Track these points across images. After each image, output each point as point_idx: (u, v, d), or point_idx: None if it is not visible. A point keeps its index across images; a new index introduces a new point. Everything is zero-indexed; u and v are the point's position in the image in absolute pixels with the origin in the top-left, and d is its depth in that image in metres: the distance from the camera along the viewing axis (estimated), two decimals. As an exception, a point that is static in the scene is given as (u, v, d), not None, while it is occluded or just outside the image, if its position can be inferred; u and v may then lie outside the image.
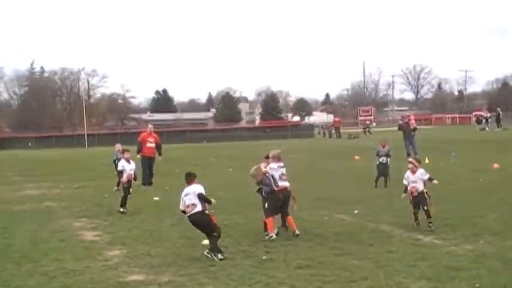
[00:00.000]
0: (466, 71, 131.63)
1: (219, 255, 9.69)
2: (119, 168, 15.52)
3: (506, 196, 15.54)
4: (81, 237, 12.12)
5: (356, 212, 13.92)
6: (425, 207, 11.67)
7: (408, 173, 12.05)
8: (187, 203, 10.01)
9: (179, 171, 27.12)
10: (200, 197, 9.94)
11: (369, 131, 65.94)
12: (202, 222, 9.99)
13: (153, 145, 22.44)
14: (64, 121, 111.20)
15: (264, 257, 9.83)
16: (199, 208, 9.92)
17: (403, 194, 12.21)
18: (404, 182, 12.12)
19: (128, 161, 15.48)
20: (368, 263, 9.21)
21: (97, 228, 13.14)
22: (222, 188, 19.66)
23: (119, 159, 20.53)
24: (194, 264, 9.57)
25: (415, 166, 11.98)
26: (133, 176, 15.40)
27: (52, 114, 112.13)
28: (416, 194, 11.79)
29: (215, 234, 9.88)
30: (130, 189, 15.19)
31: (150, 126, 23.99)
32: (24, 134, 79.14)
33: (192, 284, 8.35)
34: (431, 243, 10.53)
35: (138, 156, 21.59)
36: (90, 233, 12.65)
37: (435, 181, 12.04)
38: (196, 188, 10.05)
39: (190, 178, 10.25)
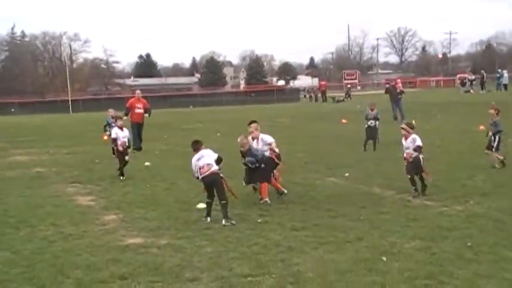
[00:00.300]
0: (450, 33, 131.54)
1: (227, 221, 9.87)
2: (113, 136, 15.48)
3: (493, 158, 15.78)
4: (75, 202, 12.20)
5: (347, 175, 14.10)
6: (420, 175, 11.49)
7: (403, 139, 11.90)
8: (201, 164, 10.15)
9: (168, 136, 27.29)
10: (218, 160, 10.30)
11: (349, 96, 64.68)
12: (218, 184, 10.09)
13: (141, 111, 22.34)
14: (47, 86, 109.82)
15: (259, 220, 10.00)
16: (215, 168, 10.12)
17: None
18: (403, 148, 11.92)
19: (121, 128, 15.42)
20: (362, 224, 9.42)
21: (91, 193, 13.21)
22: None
23: (110, 124, 20.51)
24: (190, 227, 9.71)
25: (407, 131, 11.75)
26: (127, 144, 15.29)
27: (34, 79, 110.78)
28: (411, 160, 11.52)
29: (225, 201, 10.03)
30: (126, 157, 15.10)
31: (138, 91, 23.73)
32: (6, 100, 78.21)
33: (191, 246, 8.49)
34: (422, 204, 10.74)
35: (125, 117, 21.44)
36: (84, 198, 12.73)
37: (420, 155, 11.52)
38: (210, 152, 10.39)
39: (197, 145, 10.53)
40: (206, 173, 10.07)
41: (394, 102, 30.06)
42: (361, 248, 8.12)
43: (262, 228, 9.46)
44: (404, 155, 11.69)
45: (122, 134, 15.21)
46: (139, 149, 21.24)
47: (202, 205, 11.13)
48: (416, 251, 7.88)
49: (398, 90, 30.38)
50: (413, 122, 25.42)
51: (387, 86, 33.17)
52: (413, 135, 11.68)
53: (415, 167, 11.47)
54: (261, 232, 9.19)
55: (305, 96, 70.57)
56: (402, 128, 11.99)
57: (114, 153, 15.61)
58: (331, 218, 10.02)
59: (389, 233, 8.80)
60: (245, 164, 11.74)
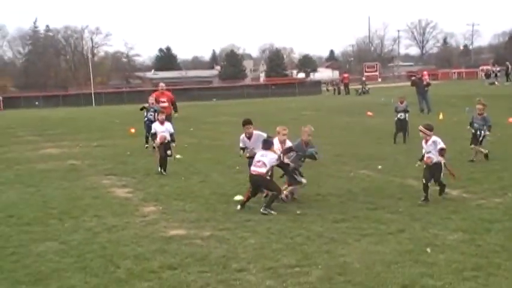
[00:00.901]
0: (472, 25, 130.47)
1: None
2: (152, 131, 15.27)
3: (526, 150, 15.75)
4: (113, 194, 12.36)
5: (380, 167, 14.12)
6: (438, 181, 10.60)
7: (423, 142, 10.85)
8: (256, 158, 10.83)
9: (194, 130, 27.44)
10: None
11: (364, 89, 61.85)
12: (263, 183, 10.74)
13: (166, 104, 21.66)
14: (69, 80, 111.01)
15: (298, 212, 10.07)
16: (262, 171, 10.69)
17: (418, 162, 11.10)
18: (423, 150, 10.86)
19: (161, 122, 15.14)
20: (402, 217, 9.44)
21: (127, 185, 13.37)
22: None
23: (147, 109, 20.22)
24: (230, 219, 9.80)
25: (426, 134, 10.65)
26: (167, 138, 14.86)
27: (56, 73, 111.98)
28: (431, 164, 10.53)
29: (276, 193, 10.45)
30: (169, 151, 14.76)
31: (162, 84, 23.06)
32: (31, 93, 79.08)
33: (234, 238, 8.59)
34: (460, 197, 10.74)
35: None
36: (122, 190, 12.88)
37: (442, 159, 10.50)
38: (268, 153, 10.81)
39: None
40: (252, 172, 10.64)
41: (421, 95, 29.94)
42: (403, 240, 8.16)
43: (303, 220, 9.52)
44: (425, 159, 10.62)
45: (160, 129, 14.91)
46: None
47: (239, 197, 11.25)
48: (460, 242, 7.90)
49: (425, 83, 30.26)
50: (441, 115, 25.42)
51: (413, 78, 33.01)
52: (434, 138, 10.61)
53: (433, 173, 10.51)
54: (301, 224, 9.26)
55: (328, 89, 69.92)
56: (420, 131, 10.84)
57: (148, 146, 15.54)
58: (370, 210, 10.06)
59: (430, 225, 8.83)
60: (307, 156, 11.17)
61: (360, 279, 6.68)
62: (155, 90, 23.79)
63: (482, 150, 14.52)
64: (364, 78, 70.65)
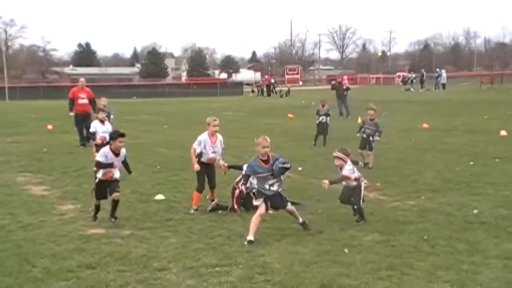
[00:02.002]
0: (390, 32, 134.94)
1: None
2: (91, 129, 14.21)
3: (439, 154, 16.44)
4: (29, 192, 12.01)
5: (300, 169, 14.33)
6: (357, 204, 9.42)
7: (338, 169, 9.54)
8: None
9: (113, 127, 26.88)
10: None
11: (273, 91, 63.56)
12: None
13: (85, 101, 20.67)
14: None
15: (219, 212, 10.12)
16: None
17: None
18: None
19: (101, 121, 14.15)
20: (321, 218, 9.66)
21: (43, 183, 13.01)
22: (162, 145, 19.75)
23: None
24: (151, 218, 9.74)
25: (343, 160, 9.43)
26: (107, 139, 12.67)
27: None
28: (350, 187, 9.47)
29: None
30: None
31: (81, 80, 21.95)
32: None
33: (155, 237, 8.54)
34: (376, 199, 11.08)
35: (71, 114, 20.55)
36: (38, 187, 12.53)
37: (362, 182, 9.47)
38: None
39: None
40: None
41: (340, 99, 30.61)
42: (322, 241, 8.35)
43: (223, 220, 9.58)
44: (344, 183, 9.52)
45: (101, 129, 13.95)
46: (84, 145, 19.55)
47: (160, 196, 11.22)
48: (376, 243, 8.17)
49: (344, 87, 30.96)
50: (359, 118, 26.07)
51: (333, 82, 33.72)
52: (349, 165, 9.43)
53: (349, 196, 9.50)
54: (222, 224, 9.31)
55: (253, 90, 69.16)
56: (335, 157, 9.49)
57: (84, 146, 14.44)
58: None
59: (348, 226, 9.07)
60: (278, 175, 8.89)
61: (280, 278, 6.79)
62: (73, 86, 23.00)
63: (369, 158, 14.26)
64: (273, 81, 70.89)
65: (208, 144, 10.32)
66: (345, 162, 9.42)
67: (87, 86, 22.16)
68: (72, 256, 7.59)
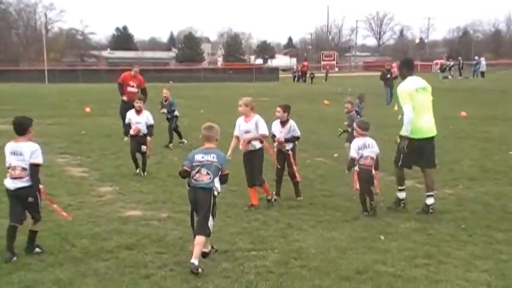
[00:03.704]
0: (428, 18, 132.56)
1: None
2: (126, 121, 12.84)
3: (477, 143, 16.23)
4: (68, 173, 12.23)
5: (336, 155, 14.27)
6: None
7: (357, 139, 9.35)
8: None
9: (150, 111, 27.08)
10: None
11: (312, 78, 62.63)
12: None
13: (134, 89, 18.17)
14: (20, 55, 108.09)
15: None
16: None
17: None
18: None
19: (138, 111, 12.64)
20: (356, 204, 9.58)
21: (82, 164, 13.24)
22: (198, 129, 19.75)
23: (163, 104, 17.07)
24: (187, 201, 9.67)
25: (361, 134, 9.34)
26: (142, 131, 12.46)
27: (7, 47, 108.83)
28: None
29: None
30: (143, 147, 12.31)
31: (135, 67, 18.90)
32: (-23, 66, 76.66)
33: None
34: (413, 187, 10.95)
35: (124, 98, 18.15)
36: (76, 169, 12.75)
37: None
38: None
39: None
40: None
41: (388, 87, 30.41)
42: (358, 227, 8.34)
43: (259, 204, 9.59)
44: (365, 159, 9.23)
45: (135, 119, 12.52)
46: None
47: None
48: (412, 231, 8.12)
49: (394, 75, 30.72)
50: (395, 106, 25.74)
51: (382, 70, 33.44)
52: (362, 139, 9.31)
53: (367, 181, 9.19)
54: (258, 209, 9.34)
55: (295, 77, 68.06)
56: (354, 129, 9.59)
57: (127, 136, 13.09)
58: (326, 197, 10.24)
59: (383, 214, 9.03)
60: None
61: (316, 264, 6.80)
62: (124, 70, 20.04)
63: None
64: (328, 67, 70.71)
65: (241, 125, 9.67)
66: (365, 135, 9.27)
67: (140, 73, 19.21)
68: (110, 237, 7.73)
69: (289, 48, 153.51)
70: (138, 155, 12.31)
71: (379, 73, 34.90)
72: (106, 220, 8.60)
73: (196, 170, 6.92)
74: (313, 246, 7.45)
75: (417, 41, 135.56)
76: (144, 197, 10.10)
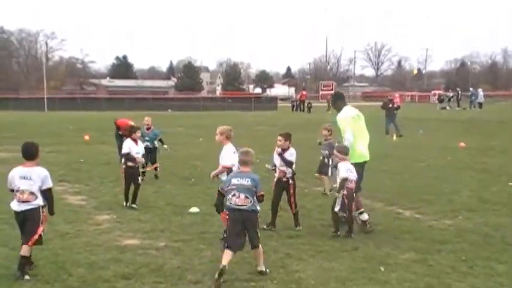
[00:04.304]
0: (426, 49, 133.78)
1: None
2: (124, 150, 12.17)
3: (475, 174, 16.19)
4: (66, 201, 12.16)
5: (335, 185, 14.16)
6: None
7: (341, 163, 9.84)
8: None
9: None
10: None
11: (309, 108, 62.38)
12: None
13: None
14: (21, 83, 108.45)
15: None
16: None
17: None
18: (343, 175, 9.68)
19: (135, 141, 12.33)
20: (356, 235, 9.55)
21: (80, 192, 13.19)
22: (197, 158, 19.85)
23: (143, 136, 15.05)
24: (186, 230, 9.77)
25: (342, 158, 9.86)
26: (142, 162, 12.52)
27: (8, 76, 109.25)
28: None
29: None
30: (139, 178, 12.12)
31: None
32: (-22, 95, 76.79)
33: (189, 250, 8.56)
34: (412, 217, 10.95)
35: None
36: (74, 197, 12.70)
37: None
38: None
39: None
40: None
41: (389, 117, 30.58)
42: (357, 258, 8.28)
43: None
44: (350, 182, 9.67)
45: (135, 149, 12.18)
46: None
47: (194, 209, 11.26)
48: (412, 262, 8.06)
49: (395, 105, 31.02)
50: (394, 136, 25.77)
51: (385, 100, 33.74)
52: (346, 163, 9.82)
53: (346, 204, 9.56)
54: (257, 238, 9.26)
55: (294, 106, 67.86)
56: (335, 155, 10.17)
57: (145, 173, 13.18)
58: (324, 227, 10.18)
59: (383, 244, 8.97)
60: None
61: (315, 295, 6.73)
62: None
63: (327, 185, 13.17)
64: (329, 97, 70.74)
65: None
66: (345, 159, 9.81)
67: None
68: (108, 266, 7.66)
69: (288, 77, 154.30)
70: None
71: (378, 103, 35.07)
72: (103, 249, 8.53)
73: (232, 193, 7.44)
74: (313, 276, 7.39)
75: (415, 71, 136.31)
76: (142, 226, 10.04)
